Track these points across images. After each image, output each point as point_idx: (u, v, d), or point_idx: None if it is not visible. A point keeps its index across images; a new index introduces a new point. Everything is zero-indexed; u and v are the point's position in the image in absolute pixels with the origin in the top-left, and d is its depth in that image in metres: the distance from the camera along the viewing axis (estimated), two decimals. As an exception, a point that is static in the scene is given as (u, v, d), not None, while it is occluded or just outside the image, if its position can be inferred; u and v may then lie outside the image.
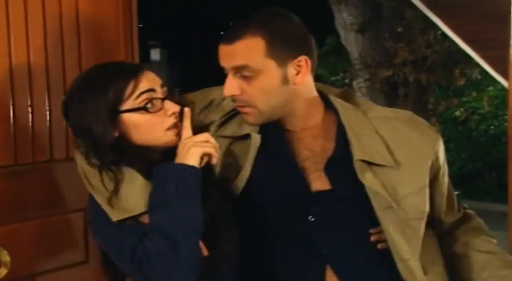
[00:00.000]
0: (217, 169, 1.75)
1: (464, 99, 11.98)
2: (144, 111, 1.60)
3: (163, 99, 1.62)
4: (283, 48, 1.65)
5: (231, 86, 1.67)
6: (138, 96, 1.59)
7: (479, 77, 11.31)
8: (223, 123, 1.80)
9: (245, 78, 1.65)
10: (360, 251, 1.73)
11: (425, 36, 10.13)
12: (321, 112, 1.78)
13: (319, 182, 1.72)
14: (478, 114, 11.94)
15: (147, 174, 1.60)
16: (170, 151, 1.64)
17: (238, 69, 1.65)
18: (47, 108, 2.13)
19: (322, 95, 1.79)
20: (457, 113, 11.83)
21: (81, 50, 2.20)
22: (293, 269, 1.72)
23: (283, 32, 1.67)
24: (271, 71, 1.65)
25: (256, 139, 1.73)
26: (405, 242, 1.69)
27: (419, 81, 10.36)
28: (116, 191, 1.60)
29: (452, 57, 10.31)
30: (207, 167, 1.65)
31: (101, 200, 1.63)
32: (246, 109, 1.69)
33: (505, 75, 3.52)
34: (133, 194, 1.60)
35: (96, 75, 1.65)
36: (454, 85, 11.27)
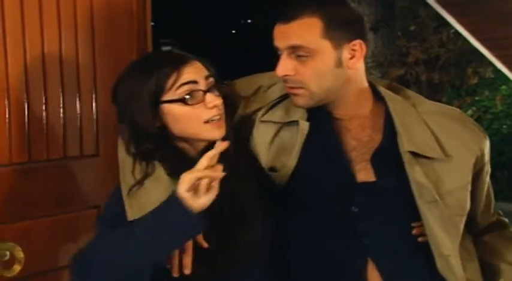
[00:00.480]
0: (264, 156, 1.74)
1: (476, 99, 11.91)
2: (183, 103, 1.58)
3: (205, 92, 1.60)
4: (339, 30, 1.65)
5: (285, 66, 1.65)
6: (179, 87, 1.58)
7: (492, 76, 11.25)
8: (270, 109, 1.78)
9: (299, 58, 1.64)
10: (401, 243, 1.72)
11: (438, 35, 10.09)
12: (370, 102, 1.77)
13: (364, 173, 1.71)
14: (491, 114, 11.86)
15: (175, 173, 1.57)
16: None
17: (294, 49, 1.64)
18: (61, 105, 2.13)
19: (371, 86, 1.78)
20: (470, 112, 11.77)
21: (94, 48, 2.21)
22: (335, 259, 1.71)
23: (340, 14, 1.67)
24: (326, 52, 1.64)
25: (304, 126, 1.72)
26: (447, 237, 1.68)
27: (432, 81, 10.32)
28: (140, 183, 1.59)
29: (465, 56, 10.27)
30: (248, 154, 1.66)
31: (124, 190, 1.63)
32: (298, 91, 1.67)
33: (519, 74, 3.51)
34: (153, 194, 1.58)
35: (143, 62, 1.65)
36: (466, 84, 11.22)
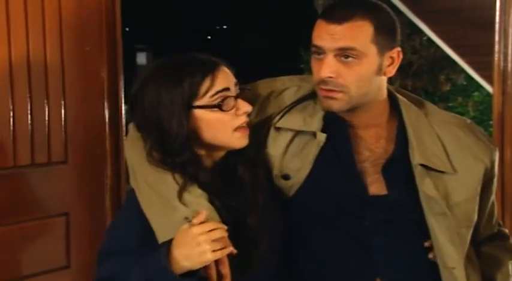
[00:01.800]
0: (278, 163, 1.71)
1: (450, 105, 12.04)
2: (217, 109, 1.54)
3: (236, 98, 1.58)
4: (386, 36, 1.63)
5: (330, 67, 1.60)
6: (214, 94, 1.54)
7: (464, 83, 11.39)
8: (284, 115, 1.74)
9: (346, 61, 1.61)
10: (411, 259, 1.70)
11: (411, 42, 10.18)
12: (387, 110, 1.76)
13: (376, 186, 1.68)
14: (464, 120, 12.00)
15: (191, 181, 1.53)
16: (219, 167, 1.59)
17: (343, 51, 1.60)
18: (29, 111, 2.10)
19: (389, 93, 1.76)
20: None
21: (63, 53, 2.19)
22: (343, 274, 1.68)
23: (387, 20, 1.65)
24: (372, 57, 1.62)
25: (321, 138, 1.68)
26: (453, 250, 1.67)
27: (405, 87, 10.40)
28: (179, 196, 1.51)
29: (438, 62, 10.38)
30: (258, 166, 1.63)
31: (158, 206, 1.53)
32: (337, 94, 1.63)
33: (490, 81, 3.54)
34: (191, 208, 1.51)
35: (172, 66, 1.58)
36: (439, 90, 11.34)
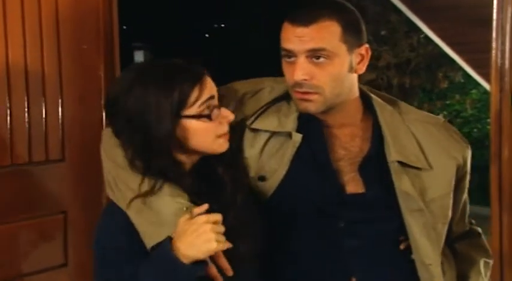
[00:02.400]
0: (254, 164, 1.71)
1: (447, 103, 12.03)
2: (206, 119, 1.55)
3: (219, 107, 1.58)
4: (353, 34, 1.64)
5: (303, 70, 1.61)
6: (203, 103, 1.53)
7: (462, 80, 11.37)
8: (259, 116, 1.74)
9: (318, 62, 1.61)
10: (388, 258, 1.71)
11: (408, 40, 10.17)
12: (361, 109, 1.76)
13: (353, 185, 1.69)
14: (461, 118, 11.98)
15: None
16: (197, 169, 1.59)
17: (313, 52, 1.61)
18: (26, 110, 2.10)
19: (361, 93, 1.77)
20: (441, 116, 11.85)
21: (60, 52, 2.18)
22: (318, 275, 1.69)
23: (352, 18, 1.66)
24: (343, 56, 1.63)
25: (297, 138, 1.69)
26: (429, 246, 1.68)
27: (403, 85, 10.39)
28: (143, 196, 1.51)
29: (436, 60, 10.37)
30: (236, 167, 1.64)
31: (122, 204, 1.54)
32: (312, 96, 1.64)
33: (488, 79, 3.55)
34: (165, 210, 1.51)
35: (161, 72, 1.56)
36: (437, 88, 11.33)
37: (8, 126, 2.06)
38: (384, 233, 1.71)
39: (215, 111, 1.56)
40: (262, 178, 1.70)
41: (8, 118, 2.06)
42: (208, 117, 1.54)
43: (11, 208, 2.09)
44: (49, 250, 2.20)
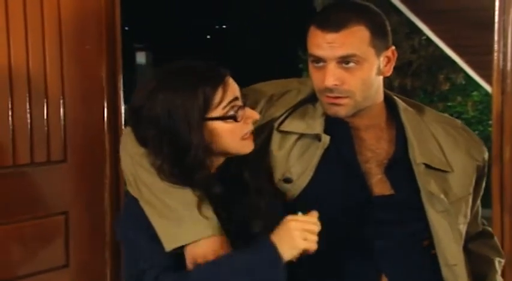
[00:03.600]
0: (281, 166, 1.70)
1: (449, 104, 12.04)
2: (231, 120, 1.53)
3: (243, 107, 1.56)
4: (381, 38, 1.64)
5: (334, 75, 1.60)
6: (227, 105, 1.52)
7: (463, 82, 11.39)
8: (286, 118, 1.73)
9: (347, 68, 1.61)
10: (414, 258, 1.71)
11: (410, 41, 10.19)
12: (385, 111, 1.76)
13: (380, 186, 1.68)
14: (463, 119, 11.99)
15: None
16: (221, 172, 1.58)
17: (344, 58, 1.60)
18: (28, 111, 2.10)
19: (385, 95, 1.76)
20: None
21: (62, 53, 2.18)
22: (348, 276, 1.68)
23: (379, 21, 1.66)
24: (372, 60, 1.62)
25: (326, 140, 1.68)
26: (455, 247, 1.70)
27: (404, 86, 10.41)
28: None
29: (437, 62, 10.38)
30: (260, 170, 1.63)
31: (161, 222, 1.50)
32: (343, 100, 1.63)
33: (489, 80, 3.55)
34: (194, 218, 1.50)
35: (183, 76, 1.54)
36: (438, 90, 11.34)
37: (10, 127, 2.06)
38: (410, 234, 1.70)
39: (240, 111, 1.54)
40: (288, 180, 1.70)
41: (10, 119, 2.06)
42: (234, 118, 1.53)
43: (13, 209, 2.08)
44: (50, 251, 2.20)
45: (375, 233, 1.67)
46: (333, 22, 1.60)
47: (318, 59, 1.63)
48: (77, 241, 2.25)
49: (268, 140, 1.72)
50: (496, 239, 1.93)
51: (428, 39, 8.44)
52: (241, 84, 1.83)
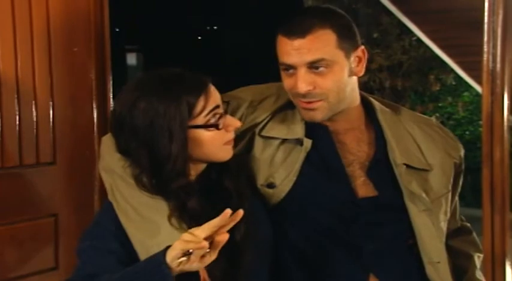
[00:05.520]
0: (264, 172, 1.70)
1: (439, 105, 12.07)
2: (213, 128, 1.53)
3: (225, 115, 1.56)
4: (348, 39, 1.65)
5: (305, 81, 1.62)
6: (209, 113, 1.52)
7: (454, 83, 11.42)
8: (267, 124, 1.74)
9: (318, 72, 1.62)
10: (401, 257, 1.73)
11: (400, 42, 10.21)
12: (363, 113, 1.77)
13: (364, 189, 1.70)
14: (454, 120, 12.02)
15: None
16: (201, 179, 1.57)
17: (313, 63, 1.61)
18: (17, 112, 2.09)
19: (361, 97, 1.78)
20: (433, 118, 11.89)
21: (51, 54, 2.18)
22: (336, 277, 1.68)
23: (344, 23, 1.67)
24: (341, 62, 1.64)
25: (308, 144, 1.69)
26: (438, 244, 1.72)
27: (395, 87, 10.43)
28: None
29: (428, 63, 10.41)
30: (241, 177, 1.61)
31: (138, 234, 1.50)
32: (316, 104, 1.65)
33: (480, 81, 3.56)
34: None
35: (164, 84, 1.52)
36: (429, 91, 11.37)
37: (-1, 129, 2.05)
38: (395, 234, 1.72)
39: (221, 119, 1.54)
40: (271, 185, 1.70)
41: (-1, 121, 2.05)
42: (216, 126, 1.53)
43: (2, 211, 2.08)
44: (40, 253, 2.19)
45: (362, 234, 1.68)
46: (298, 28, 1.61)
47: (289, 66, 1.64)
48: (67, 243, 2.24)
49: (250, 145, 1.73)
50: (475, 234, 1.96)
51: (419, 40, 8.46)
52: (233, 86, 1.82)
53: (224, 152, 1.57)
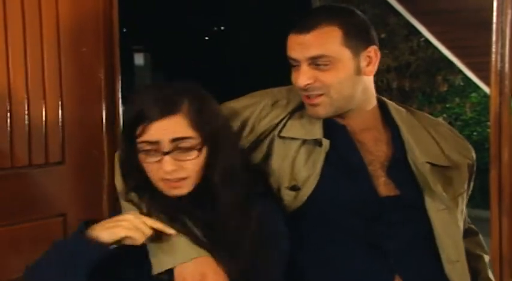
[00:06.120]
0: (286, 174, 1.70)
1: (447, 106, 12.03)
2: (142, 155, 1.53)
3: (165, 154, 1.49)
4: (357, 37, 1.66)
5: (306, 75, 1.64)
6: (142, 142, 1.50)
7: (462, 84, 11.39)
8: (285, 125, 1.75)
9: (320, 68, 1.63)
10: (423, 257, 1.72)
11: (408, 43, 10.20)
12: (379, 114, 1.78)
13: (386, 188, 1.70)
14: (461, 121, 11.99)
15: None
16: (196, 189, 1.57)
17: (314, 59, 1.63)
18: (26, 112, 2.10)
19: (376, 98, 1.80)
20: (440, 119, 11.86)
21: (60, 54, 2.18)
22: (361, 277, 1.68)
23: (355, 21, 1.68)
24: (347, 60, 1.65)
25: (326, 144, 1.70)
26: (457, 243, 1.72)
27: (403, 88, 10.42)
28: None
29: (435, 63, 10.39)
30: (238, 185, 1.58)
31: None
32: (318, 99, 1.66)
33: (488, 82, 3.54)
34: None
35: (137, 98, 1.56)
36: (437, 91, 11.35)
37: (8, 128, 2.06)
38: (417, 233, 1.72)
39: (152, 156, 1.51)
40: (294, 187, 1.70)
41: (8, 121, 2.06)
42: (141, 156, 1.53)
43: (11, 211, 2.08)
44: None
45: (385, 234, 1.67)
46: (306, 24, 1.64)
47: (293, 61, 1.67)
48: (75, 243, 2.25)
49: (270, 149, 1.73)
50: (481, 236, 1.96)
51: (426, 40, 8.44)
52: (240, 85, 1.83)
53: (162, 188, 1.54)
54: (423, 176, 1.70)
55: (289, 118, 1.76)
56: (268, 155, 1.73)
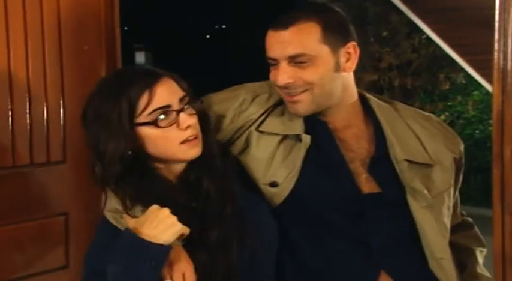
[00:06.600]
0: (265, 170, 1.70)
1: (449, 104, 12.02)
2: (155, 126, 1.49)
3: (178, 112, 1.50)
4: (335, 33, 1.65)
5: (286, 74, 1.63)
6: (152, 111, 1.48)
7: (464, 82, 11.37)
8: (265, 120, 1.74)
9: (299, 65, 1.62)
10: (408, 253, 1.72)
11: (410, 41, 10.19)
12: (361, 110, 1.77)
13: (368, 185, 1.70)
14: (463, 119, 11.97)
15: (150, 197, 1.48)
16: (183, 180, 1.56)
17: (293, 58, 1.62)
18: (27, 111, 2.10)
19: (359, 94, 1.78)
20: (443, 117, 11.87)
21: (62, 53, 2.18)
22: (344, 275, 1.68)
23: (334, 17, 1.67)
24: (325, 57, 1.64)
25: (307, 140, 1.69)
26: (441, 240, 1.71)
27: (405, 86, 10.41)
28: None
29: (437, 61, 10.38)
30: (226, 177, 1.58)
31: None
32: (299, 96, 1.65)
33: (490, 80, 3.54)
34: None
35: (112, 80, 1.54)
36: (439, 89, 11.34)
37: (10, 127, 2.06)
38: (401, 230, 1.72)
39: (170, 117, 1.50)
40: (274, 184, 1.69)
41: (10, 120, 2.06)
42: (155, 124, 1.49)
43: (12, 210, 2.08)
44: (50, 252, 2.19)
45: (368, 231, 1.67)
46: (283, 21, 1.63)
47: (272, 61, 1.65)
48: (77, 242, 2.25)
49: (247, 143, 1.72)
50: (477, 228, 1.96)
51: (428, 38, 8.44)
52: (241, 83, 1.82)
53: (184, 152, 1.53)
54: (403, 173, 1.70)
55: (269, 113, 1.75)
56: (245, 149, 1.73)
